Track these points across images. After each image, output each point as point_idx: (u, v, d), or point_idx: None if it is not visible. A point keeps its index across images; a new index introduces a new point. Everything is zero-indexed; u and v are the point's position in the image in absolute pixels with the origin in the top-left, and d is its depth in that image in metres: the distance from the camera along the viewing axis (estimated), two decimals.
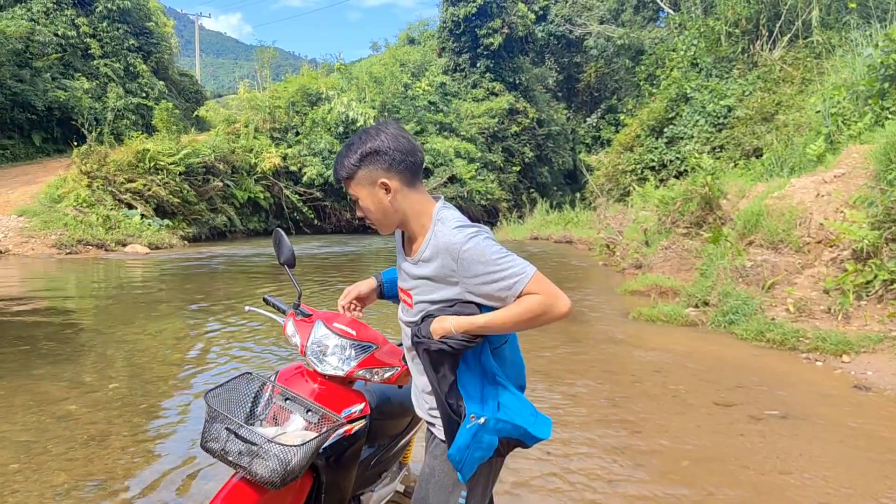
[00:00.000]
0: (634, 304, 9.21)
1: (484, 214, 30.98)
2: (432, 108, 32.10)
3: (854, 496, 3.51)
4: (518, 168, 35.07)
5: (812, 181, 9.85)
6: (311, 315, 2.69)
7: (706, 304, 8.59)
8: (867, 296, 7.25)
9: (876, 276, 7.20)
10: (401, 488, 3.29)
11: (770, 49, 19.56)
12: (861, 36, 14.10)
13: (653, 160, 21.50)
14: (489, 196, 31.51)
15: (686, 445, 4.22)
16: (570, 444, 4.25)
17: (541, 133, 36.71)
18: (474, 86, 35.32)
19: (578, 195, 29.56)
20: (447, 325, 1.94)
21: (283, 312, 2.82)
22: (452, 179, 29.63)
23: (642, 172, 21.45)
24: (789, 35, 19.16)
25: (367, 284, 2.41)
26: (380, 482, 3.08)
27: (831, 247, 8.36)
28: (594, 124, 40.17)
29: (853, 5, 17.59)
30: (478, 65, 35.40)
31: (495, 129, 33.82)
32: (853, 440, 4.32)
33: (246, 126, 25.07)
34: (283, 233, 2.88)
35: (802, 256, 8.70)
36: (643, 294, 10.06)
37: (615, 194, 22.20)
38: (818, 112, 12.89)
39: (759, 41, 19.86)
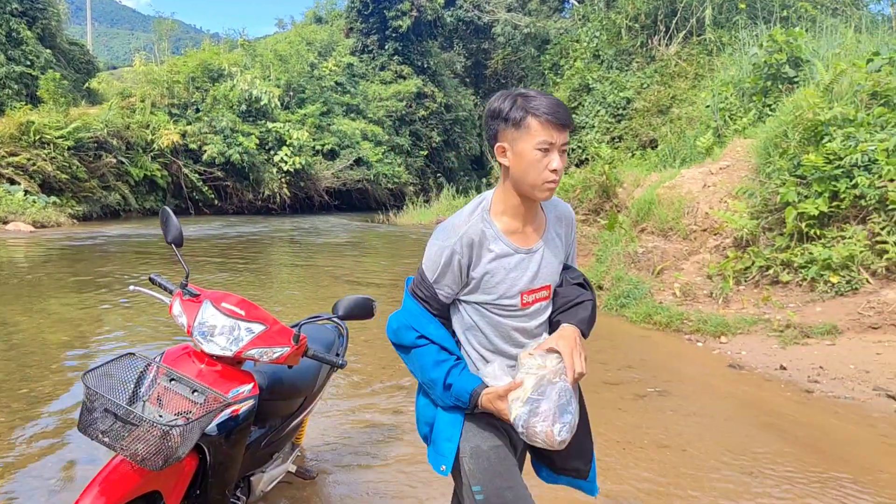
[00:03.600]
0: None
1: (390, 198, 30.92)
2: (339, 88, 31.66)
3: (721, 464, 3.78)
4: (425, 152, 35.15)
5: (700, 172, 10.39)
6: (199, 295, 2.65)
7: (601, 288, 8.92)
8: (745, 281, 7.74)
9: (753, 263, 7.69)
10: (293, 468, 3.30)
11: (666, 44, 20.36)
12: (748, 35, 14.89)
13: None
14: (396, 180, 31.46)
15: None
16: None
17: (448, 118, 36.90)
18: (382, 68, 35.06)
19: (485, 181, 29.93)
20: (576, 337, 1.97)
21: (171, 292, 2.76)
22: (359, 162, 29.38)
23: None
24: (684, 32, 19.99)
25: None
26: (271, 463, 3.07)
27: (715, 235, 8.86)
28: None
29: (743, 6, 18.52)
30: (386, 47, 35.14)
31: (403, 112, 33.73)
32: (725, 413, 4.64)
33: (142, 101, 23.94)
34: (170, 211, 2.82)
35: (689, 243, 9.18)
36: None
37: None
38: (708, 107, 13.55)
39: (656, 36, 20.63)
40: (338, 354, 3.43)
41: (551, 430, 1.83)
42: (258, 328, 2.53)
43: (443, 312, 2.04)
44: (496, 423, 2.02)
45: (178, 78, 25.10)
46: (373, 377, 5.34)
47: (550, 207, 2.09)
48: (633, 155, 18.07)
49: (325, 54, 32.80)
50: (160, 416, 2.23)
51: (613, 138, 20.18)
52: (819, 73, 9.24)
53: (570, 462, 2.15)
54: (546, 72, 26.38)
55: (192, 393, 2.31)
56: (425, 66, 35.72)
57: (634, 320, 7.45)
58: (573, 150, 21.36)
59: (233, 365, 2.54)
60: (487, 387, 1.93)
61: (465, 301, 2.02)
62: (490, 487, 1.95)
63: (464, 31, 41.55)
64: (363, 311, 2.83)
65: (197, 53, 27.29)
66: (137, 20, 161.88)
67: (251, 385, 2.53)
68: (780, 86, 11.62)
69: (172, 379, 2.35)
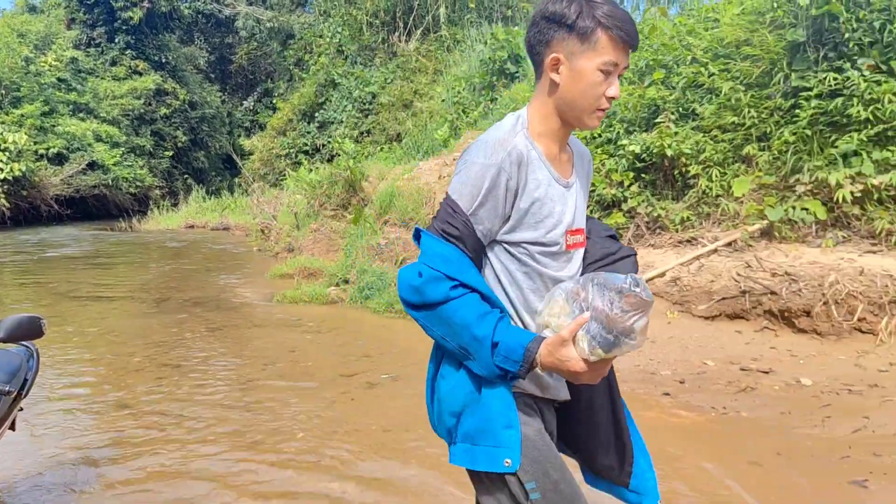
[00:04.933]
0: (282, 288, 9.31)
1: (134, 203, 28.71)
2: (63, 86, 28.67)
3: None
4: (170, 153, 33.14)
5: (436, 163, 10.93)
6: None
7: (347, 281, 9.04)
8: None
9: None
10: None
11: (406, 40, 21.09)
12: (477, 33, 15.93)
13: (306, 144, 21.93)
14: (138, 183, 29.32)
15: (304, 418, 4.41)
16: (194, 434, 4.16)
17: (194, 116, 35.09)
18: (114, 63, 32.35)
19: (237, 180, 28.96)
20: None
21: None
22: (93, 166, 26.88)
23: (297, 156, 21.78)
24: (422, 28, 20.85)
25: None
26: None
27: None
28: (251, 108, 39.51)
29: (472, 4, 19.73)
30: (116, 40, 32.46)
31: (142, 110, 31.45)
32: None
33: None
34: None
35: None
36: (291, 277, 10.21)
37: (271, 179, 22.21)
38: (444, 101, 14.30)
39: (396, 32, 21.29)
40: (26, 380, 3.11)
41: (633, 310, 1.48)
42: None
43: (476, 258, 1.62)
44: (531, 404, 1.70)
45: None
46: (91, 398, 4.92)
47: (574, 142, 1.80)
48: (381, 149, 18.52)
49: (43, 48, 29.48)
50: None
51: (362, 133, 20.52)
52: (531, 69, 10.13)
53: (605, 458, 1.84)
54: (291, 67, 26.11)
55: None
56: (163, 60, 33.59)
57: (377, 311, 7.65)
58: (323, 145, 21.39)
59: None
60: (545, 338, 1.54)
61: (501, 242, 1.65)
62: (546, 483, 1.61)
63: (204, 25, 39.70)
64: (29, 330, 2.59)
65: None
66: None
67: None
68: (502, 80, 12.58)
69: None
